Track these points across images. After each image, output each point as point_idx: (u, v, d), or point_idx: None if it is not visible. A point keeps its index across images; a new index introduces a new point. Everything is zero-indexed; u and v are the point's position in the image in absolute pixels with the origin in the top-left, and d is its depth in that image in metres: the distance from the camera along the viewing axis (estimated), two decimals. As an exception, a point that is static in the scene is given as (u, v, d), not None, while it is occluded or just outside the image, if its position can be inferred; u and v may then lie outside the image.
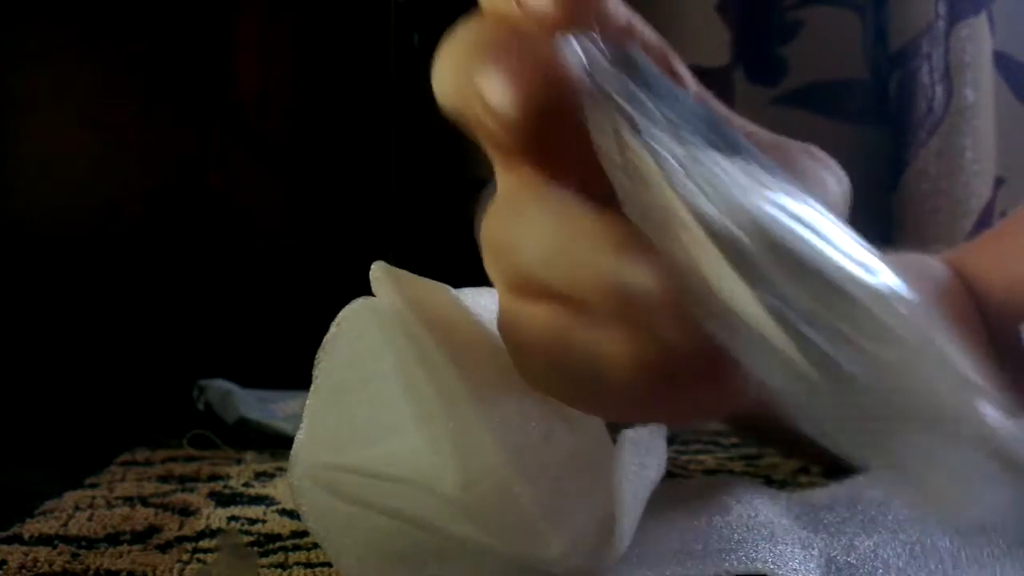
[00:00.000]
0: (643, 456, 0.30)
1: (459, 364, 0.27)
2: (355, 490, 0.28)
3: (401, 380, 0.27)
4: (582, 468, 0.28)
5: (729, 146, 0.22)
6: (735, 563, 0.30)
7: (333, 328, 0.30)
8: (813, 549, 0.32)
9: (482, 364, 0.28)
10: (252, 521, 0.43)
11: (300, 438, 0.30)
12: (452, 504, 0.26)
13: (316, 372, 0.30)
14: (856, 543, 0.32)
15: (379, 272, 0.29)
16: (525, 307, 0.25)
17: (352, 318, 0.30)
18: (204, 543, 0.39)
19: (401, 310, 0.28)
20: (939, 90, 1.00)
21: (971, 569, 0.30)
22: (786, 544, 0.32)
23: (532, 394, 0.27)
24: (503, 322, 0.26)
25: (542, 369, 0.25)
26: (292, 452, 0.29)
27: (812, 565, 0.31)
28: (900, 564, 0.31)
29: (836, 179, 0.28)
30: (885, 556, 0.31)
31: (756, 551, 0.31)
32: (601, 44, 0.24)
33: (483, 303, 0.30)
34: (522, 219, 0.24)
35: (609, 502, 0.28)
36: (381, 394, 0.28)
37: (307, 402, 0.30)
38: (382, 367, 0.28)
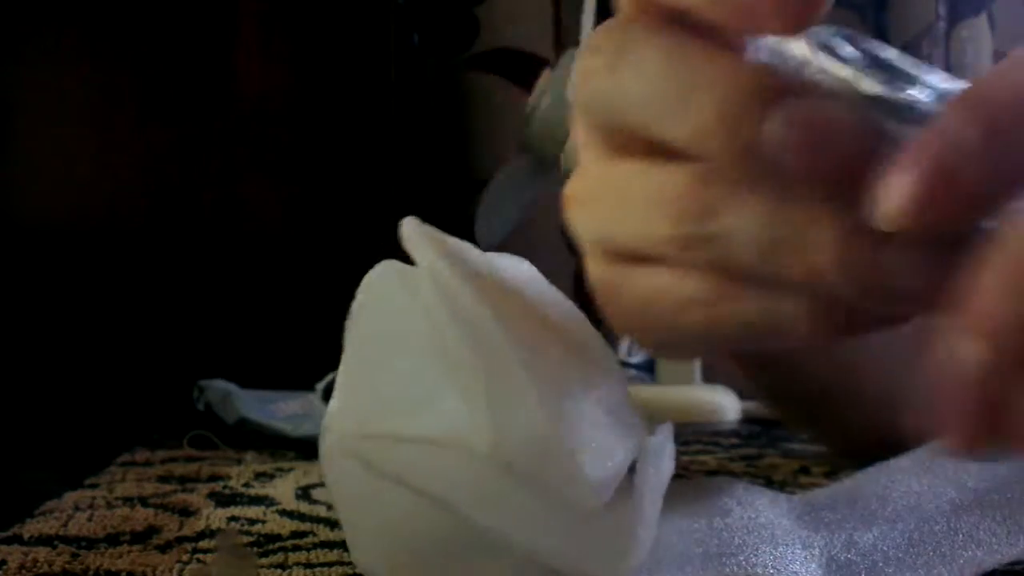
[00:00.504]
0: (660, 462, 0.30)
1: (496, 317, 0.27)
2: (385, 457, 0.27)
3: (433, 340, 0.27)
4: (616, 417, 0.28)
5: None
6: (735, 568, 0.30)
7: (359, 295, 0.30)
8: (814, 549, 0.32)
9: (517, 317, 0.27)
10: (252, 521, 0.43)
11: (332, 409, 0.29)
12: (485, 464, 0.26)
13: (345, 341, 0.30)
14: (856, 538, 0.32)
15: (411, 228, 0.29)
16: (648, 273, 0.25)
17: (378, 283, 0.30)
18: (204, 543, 0.39)
19: (435, 266, 0.28)
20: (939, 90, 1.00)
21: (968, 549, 0.30)
22: (787, 546, 0.32)
23: (569, 345, 0.27)
24: (611, 289, 0.26)
25: (680, 335, 0.25)
26: (323, 423, 0.29)
27: (813, 566, 0.31)
28: (900, 555, 0.31)
29: None
30: (884, 548, 0.31)
31: (756, 555, 0.31)
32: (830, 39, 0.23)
33: (504, 264, 0.30)
34: (731, 208, 0.23)
35: (635, 453, 0.28)
36: (412, 360, 0.28)
37: (339, 370, 0.30)
38: (411, 331, 0.28)
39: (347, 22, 1.01)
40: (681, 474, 0.55)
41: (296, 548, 0.38)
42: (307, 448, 0.66)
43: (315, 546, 0.38)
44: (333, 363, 0.83)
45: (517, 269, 0.30)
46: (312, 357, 0.82)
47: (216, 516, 0.44)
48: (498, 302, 0.27)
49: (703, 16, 0.23)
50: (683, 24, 0.23)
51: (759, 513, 0.34)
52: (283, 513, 0.45)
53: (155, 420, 0.76)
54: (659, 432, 0.29)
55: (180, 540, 0.39)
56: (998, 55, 1.04)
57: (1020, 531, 0.31)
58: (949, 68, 1.00)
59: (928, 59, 1.01)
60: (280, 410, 0.73)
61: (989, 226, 0.21)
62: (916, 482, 0.35)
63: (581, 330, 0.31)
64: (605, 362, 0.31)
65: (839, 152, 0.22)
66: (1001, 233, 0.20)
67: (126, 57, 0.97)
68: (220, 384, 0.75)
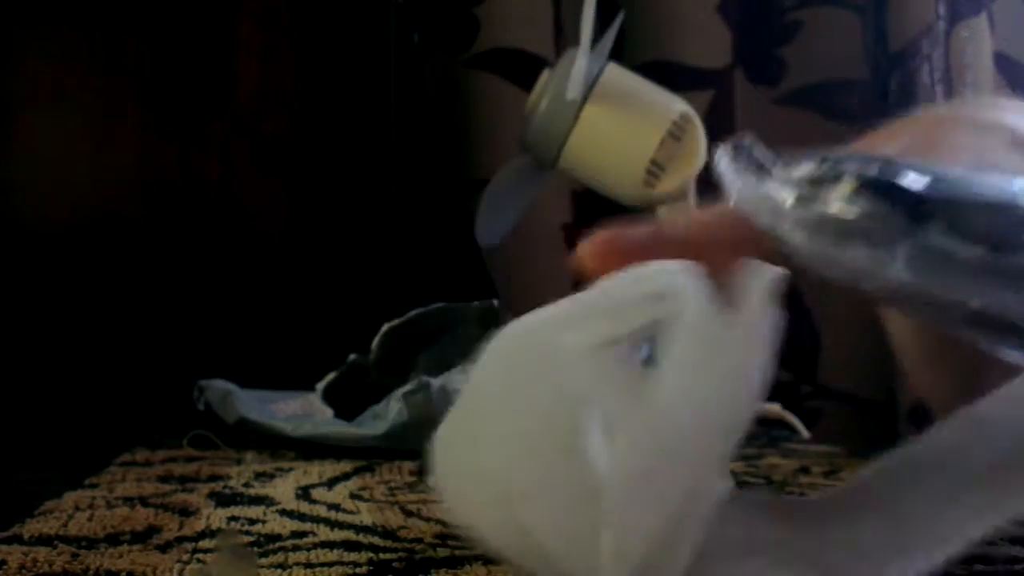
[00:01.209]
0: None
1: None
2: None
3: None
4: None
5: None
6: None
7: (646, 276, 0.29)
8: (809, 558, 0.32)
9: None
10: (252, 521, 0.43)
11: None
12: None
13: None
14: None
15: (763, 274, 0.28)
16: None
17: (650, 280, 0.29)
18: (204, 543, 0.39)
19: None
20: (939, 90, 1.00)
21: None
22: (780, 567, 0.31)
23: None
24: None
25: None
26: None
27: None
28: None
29: None
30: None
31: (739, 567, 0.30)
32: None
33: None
34: None
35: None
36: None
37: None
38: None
39: (347, 22, 1.01)
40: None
41: (296, 548, 0.38)
42: (307, 448, 0.66)
43: (315, 546, 0.38)
44: (333, 363, 0.84)
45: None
46: (312, 357, 0.82)
47: (216, 516, 0.44)
48: None
49: None
50: None
51: (756, 529, 0.34)
52: (283, 513, 0.45)
53: (155, 420, 0.76)
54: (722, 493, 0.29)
55: (180, 540, 0.39)
56: (998, 55, 1.04)
57: None
58: (949, 68, 1.00)
59: (928, 59, 1.01)
60: (280, 410, 0.73)
61: None
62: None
63: None
64: None
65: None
66: None
67: (126, 58, 0.97)
68: (220, 384, 0.75)
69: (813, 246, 0.25)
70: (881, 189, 0.25)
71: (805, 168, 0.26)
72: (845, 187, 0.25)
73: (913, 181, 0.25)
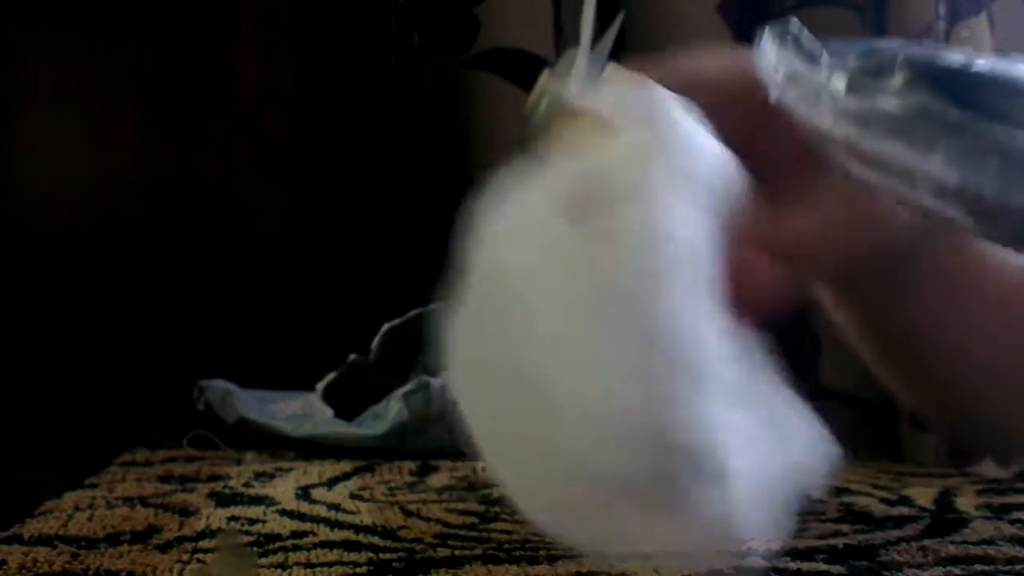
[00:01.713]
0: None
1: None
2: None
3: None
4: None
5: None
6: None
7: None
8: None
9: None
10: (252, 521, 0.43)
11: None
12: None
13: None
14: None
15: None
16: None
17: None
18: (204, 543, 0.39)
19: None
20: (939, 90, 1.00)
21: None
22: None
23: None
24: None
25: None
26: None
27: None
28: None
29: None
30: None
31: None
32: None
33: None
34: None
35: None
36: None
37: None
38: None
39: (347, 22, 1.01)
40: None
41: (296, 548, 0.38)
42: (307, 448, 0.66)
43: (315, 546, 0.38)
44: (333, 363, 0.84)
45: None
46: (312, 357, 0.82)
47: (216, 516, 0.44)
48: None
49: None
50: None
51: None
52: (283, 513, 0.45)
53: (155, 420, 0.76)
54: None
55: (180, 540, 0.39)
56: (998, 55, 1.04)
57: None
58: (949, 68, 1.00)
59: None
60: (280, 410, 0.73)
61: None
62: None
63: None
64: None
65: None
66: None
67: (126, 58, 0.97)
68: (220, 384, 0.75)
69: (858, 138, 0.24)
70: (935, 80, 0.24)
71: (856, 58, 0.25)
72: (898, 78, 0.24)
73: (965, 71, 0.24)
